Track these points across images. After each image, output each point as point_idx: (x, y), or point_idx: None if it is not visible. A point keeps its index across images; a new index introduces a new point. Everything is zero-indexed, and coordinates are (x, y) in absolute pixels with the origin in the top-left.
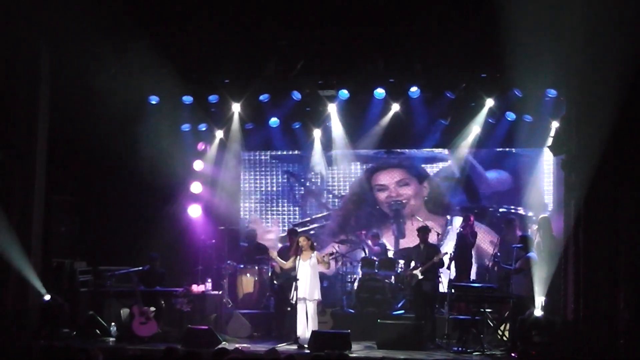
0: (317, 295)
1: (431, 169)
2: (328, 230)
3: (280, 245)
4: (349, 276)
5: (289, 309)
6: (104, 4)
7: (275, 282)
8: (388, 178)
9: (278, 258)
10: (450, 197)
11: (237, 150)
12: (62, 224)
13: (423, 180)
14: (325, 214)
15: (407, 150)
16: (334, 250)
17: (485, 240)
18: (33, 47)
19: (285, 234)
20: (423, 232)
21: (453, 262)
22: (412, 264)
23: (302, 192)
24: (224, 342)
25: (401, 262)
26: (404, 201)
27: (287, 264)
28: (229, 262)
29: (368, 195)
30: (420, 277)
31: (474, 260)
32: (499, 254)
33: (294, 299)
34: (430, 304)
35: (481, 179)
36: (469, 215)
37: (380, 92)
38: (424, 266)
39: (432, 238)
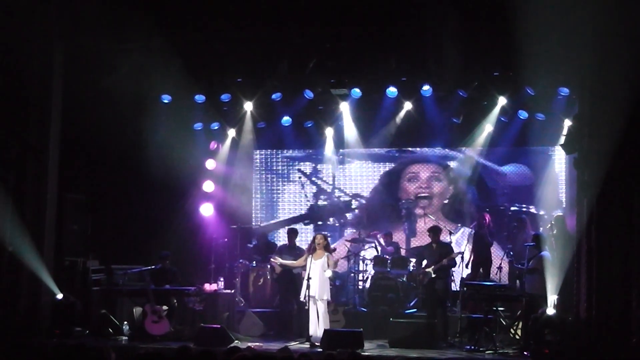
0: (327, 295)
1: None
2: (340, 227)
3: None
4: (362, 275)
5: (295, 307)
6: (117, 2)
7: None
8: (424, 169)
9: (283, 261)
10: (467, 204)
11: (249, 149)
12: (75, 222)
13: (452, 183)
14: (336, 211)
15: (419, 148)
16: (335, 248)
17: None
18: (46, 45)
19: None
20: (434, 232)
21: (471, 263)
22: (424, 262)
23: (314, 191)
24: (236, 341)
25: (413, 260)
26: (428, 195)
27: (298, 262)
28: (241, 260)
29: (390, 189)
30: (432, 275)
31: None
32: (512, 252)
33: (306, 297)
34: (443, 302)
35: (497, 175)
36: (483, 214)
37: (392, 90)
38: (436, 265)
39: (445, 236)
